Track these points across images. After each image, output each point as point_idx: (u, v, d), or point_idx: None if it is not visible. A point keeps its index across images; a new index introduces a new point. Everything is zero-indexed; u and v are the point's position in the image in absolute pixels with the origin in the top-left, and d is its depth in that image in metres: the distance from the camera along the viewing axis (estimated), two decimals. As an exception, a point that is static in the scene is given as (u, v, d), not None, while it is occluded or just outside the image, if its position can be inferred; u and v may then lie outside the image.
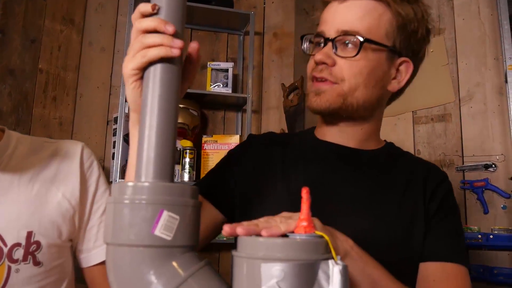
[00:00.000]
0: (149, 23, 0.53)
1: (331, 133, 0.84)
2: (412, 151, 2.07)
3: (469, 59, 2.00)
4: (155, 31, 0.53)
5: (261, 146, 0.87)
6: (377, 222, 0.74)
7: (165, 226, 0.49)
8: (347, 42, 0.75)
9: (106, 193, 0.89)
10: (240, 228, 0.47)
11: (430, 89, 2.05)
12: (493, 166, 1.86)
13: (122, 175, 2.02)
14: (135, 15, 0.56)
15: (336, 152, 0.82)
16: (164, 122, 0.53)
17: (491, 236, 1.71)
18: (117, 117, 2.13)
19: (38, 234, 0.77)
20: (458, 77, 2.01)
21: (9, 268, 0.74)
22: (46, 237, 0.78)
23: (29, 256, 0.76)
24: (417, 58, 0.82)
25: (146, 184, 0.50)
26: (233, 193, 0.81)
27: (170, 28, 0.53)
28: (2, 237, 0.74)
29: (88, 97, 2.26)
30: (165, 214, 0.49)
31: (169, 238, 0.49)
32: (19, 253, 0.75)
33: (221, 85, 2.34)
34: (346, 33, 0.75)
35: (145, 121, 0.53)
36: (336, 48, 0.75)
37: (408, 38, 0.78)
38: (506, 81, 1.69)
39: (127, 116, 2.10)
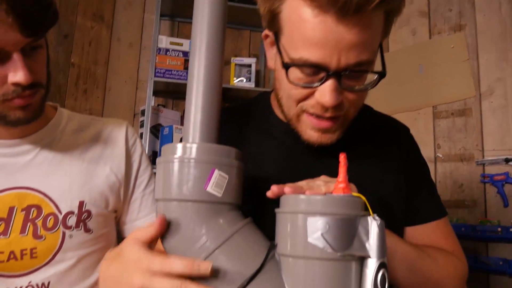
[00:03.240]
0: None
1: None
2: (432, 146, 2.10)
3: (489, 55, 2.00)
4: None
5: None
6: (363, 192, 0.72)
7: (216, 183, 0.53)
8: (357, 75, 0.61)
9: (148, 169, 0.94)
10: (288, 188, 0.51)
11: (451, 84, 2.07)
12: (514, 159, 1.88)
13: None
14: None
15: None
16: (210, 87, 0.57)
17: (511, 229, 1.73)
18: (144, 109, 2.21)
19: (89, 204, 0.83)
20: (478, 72, 2.02)
21: (64, 233, 0.80)
22: (95, 207, 0.84)
23: (81, 224, 0.82)
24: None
25: (196, 144, 0.54)
26: None
27: None
28: (57, 205, 0.81)
29: (116, 91, 2.34)
30: (216, 172, 0.53)
31: (219, 195, 0.53)
32: (72, 221, 0.81)
33: (244, 80, 2.39)
34: (356, 65, 0.58)
35: (192, 87, 0.57)
36: (340, 80, 0.60)
37: (392, 20, 0.63)
38: (527, 75, 1.70)
39: (153, 109, 2.18)
